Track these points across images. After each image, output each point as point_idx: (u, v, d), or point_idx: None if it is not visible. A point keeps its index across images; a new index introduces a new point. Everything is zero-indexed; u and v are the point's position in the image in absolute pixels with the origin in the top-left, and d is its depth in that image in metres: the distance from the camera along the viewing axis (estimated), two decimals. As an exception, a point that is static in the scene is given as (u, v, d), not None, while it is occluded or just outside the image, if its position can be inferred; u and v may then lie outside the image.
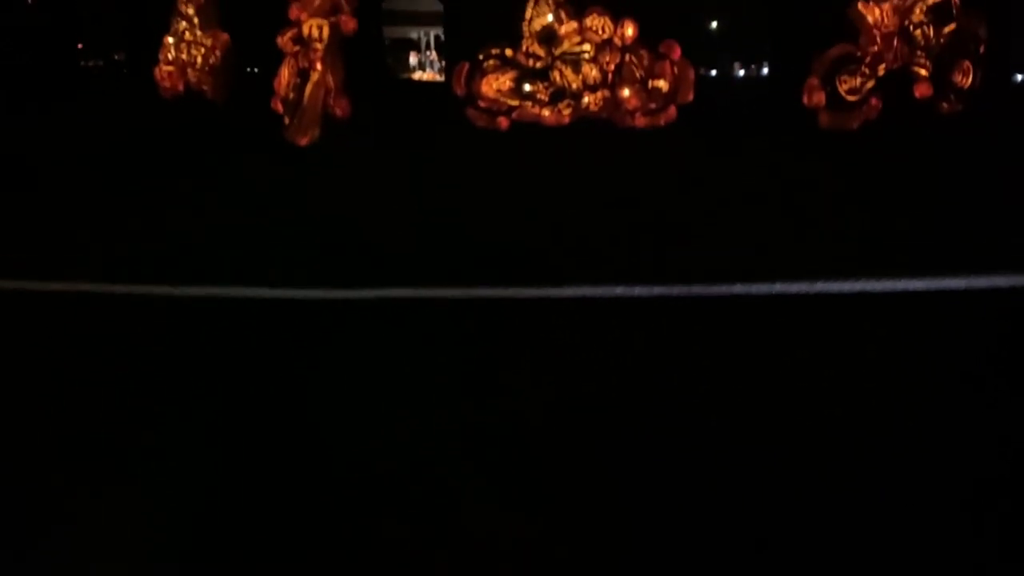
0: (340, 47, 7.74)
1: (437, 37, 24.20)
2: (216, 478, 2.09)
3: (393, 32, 24.38)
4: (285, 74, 7.83)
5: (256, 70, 9.10)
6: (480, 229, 4.62)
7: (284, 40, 7.74)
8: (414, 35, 26.10)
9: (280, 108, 7.88)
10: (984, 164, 6.21)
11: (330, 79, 7.76)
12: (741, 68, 13.77)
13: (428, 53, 26.24)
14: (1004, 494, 1.96)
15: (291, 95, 7.79)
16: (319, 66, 7.67)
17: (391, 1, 22.51)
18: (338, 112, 7.86)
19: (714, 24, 14.77)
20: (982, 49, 7.64)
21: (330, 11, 7.66)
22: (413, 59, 26.24)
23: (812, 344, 2.95)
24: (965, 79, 7.69)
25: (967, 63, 7.66)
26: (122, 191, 5.87)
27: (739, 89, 8.85)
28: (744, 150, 7.08)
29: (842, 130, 7.60)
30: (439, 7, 21.31)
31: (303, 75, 7.72)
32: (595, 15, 7.62)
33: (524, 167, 6.43)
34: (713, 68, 10.45)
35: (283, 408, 2.49)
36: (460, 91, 7.74)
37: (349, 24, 7.64)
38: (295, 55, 7.75)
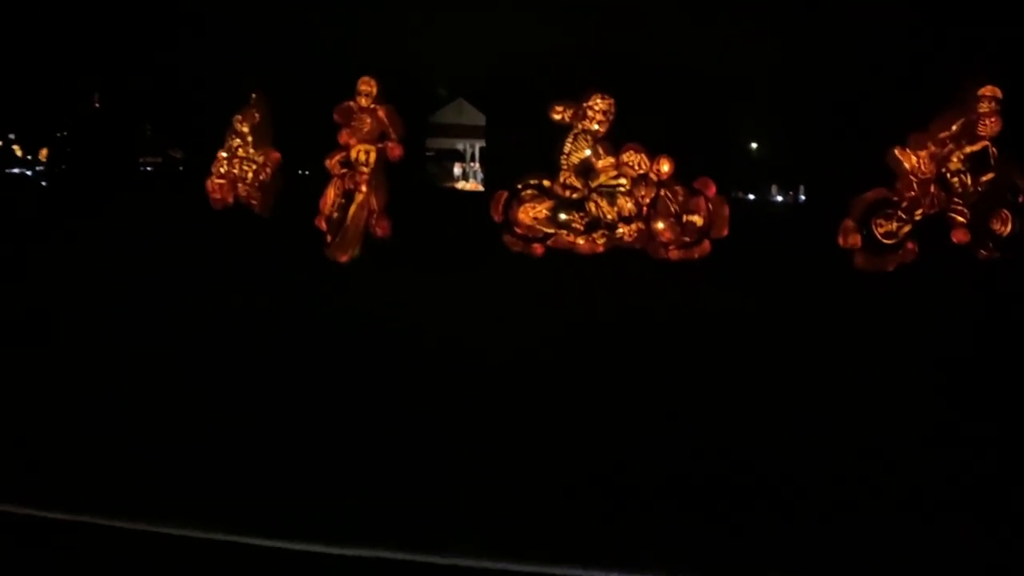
0: (385, 170, 8.00)
1: (482, 148, 25.14)
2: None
3: (438, 143, 25.47)
4: (331, 194, 8.14)
5: (303, 188, 9.41)
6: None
7: (332, 162, 8.07)
8: (459, 146, 27.13)
9: (324, 226, 8.13)
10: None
11: (374, 201, 8.02)
12: (777, 206, 14.00)
13: (472, 164, 27.19)
14: None
15: (335, 214, 8.06)
16: (364, 188, 7.96)
17: (438, 114, 23.65)
18: (379, 232, 8.06)
19: (750, 163, 15.18)
20: (1021, 199, 7.62)
21: (377, 138, 7.99)
22: (457, 169, 27.16)
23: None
24: (1004, 227, 7.66)
25: (1005, 211, 7.65)
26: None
27: (774, 227, 8.90)
28: (777, 290, 7.11)
29: (878, 272, 7.59)
30: (483, 120, 22.29)
31: (348, 196, 8.00)
32: (632, 151, 7.83)
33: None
34: (749, 205, 10.63)
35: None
36: (498, 218, 7.92)
37: (395, 151, 7.96)
38: (342, 176, 8.05)
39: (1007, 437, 3.60)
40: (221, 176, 10.07)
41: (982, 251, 7.67)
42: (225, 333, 5.16)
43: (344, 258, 7.95)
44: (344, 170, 8.02)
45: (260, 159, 9.87)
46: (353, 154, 7.94)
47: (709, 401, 4.00)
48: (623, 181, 7.89)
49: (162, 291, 6.39)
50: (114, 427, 3.42)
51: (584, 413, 3.79)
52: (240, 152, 9.96)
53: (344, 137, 8.01)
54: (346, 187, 8.00)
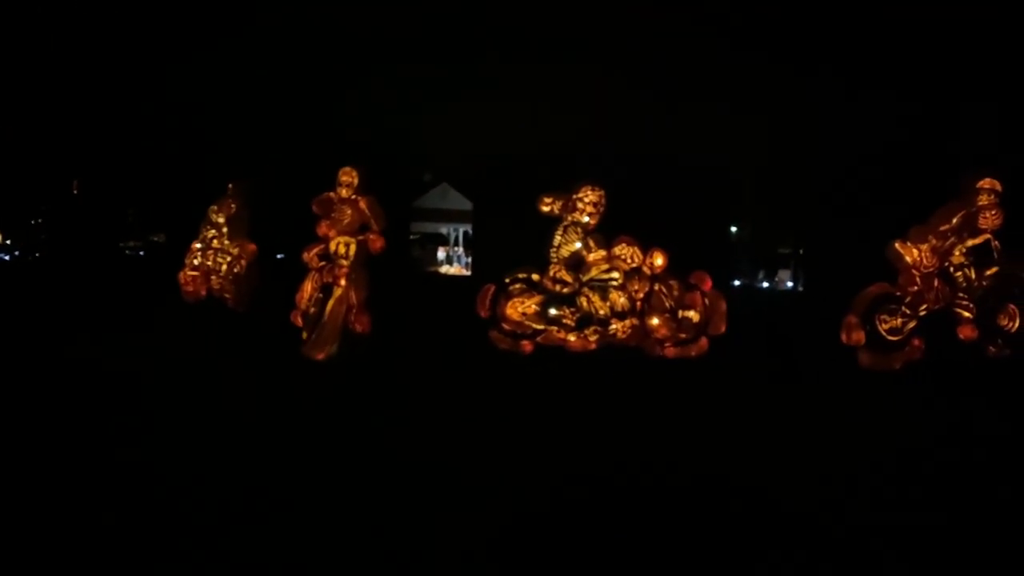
0: (366, 264, 7.65)
1: (466, 233, 25.07)
2: None
3: (423, 228, 25.42)
4: (308, 288, 7.80)
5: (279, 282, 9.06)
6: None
7: (310, 255, 7.78)
8: (444, 230, 27.08)
9: (299, 322, 7.73)
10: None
11: (353, 295, 7.65)
12: (776, 301, 13.81)
13: (456, 248, 27.09)
14: None
15: (312, 309, 7.68)
16: (343, 282, 7.61)
17: (422, 199, 23.68)
18: (358, 328, 7.66)
19: (746, 254, 15.10)
20: (1028, 294, 7.36)
21: (358, 229, 7.68)
22: (441, 253, 27.01)
23: None
24: (1012, 323, 7.38)
25: (1012, 306, 7.38)
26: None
27: (773, 324, 8.64)
28: (778, 389, 6.83)
29: (883, 370, 7.25)
30: (469, 205, 22.28)
31: (326, 290, 7.64)
32: (624, 244, 7.58)
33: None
34: (746, 299, 10.45)
35: None
36: (484, 313, 7.56)
37: (377, 244, 7.68)
38: (320, 270, 7.70)
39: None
40: (194, 268, 9.72)
41: (991, 348, 7.37)
42: (195, 433, 4.93)
43: (321, 356, 7.54)
44: (322, 263, 7.67)
45: (235, 251, 9.54)
46: (332, 246, 7.64)
47: (709, 506, 3.87)
48: (615, 275, 7.60)
49: (126, 385, 6.16)
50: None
51: (577, 523, 3.58)
52: (215, 243, 9.65)
53: (323, 229, 7.73)
54: (324, 281, 7.64)
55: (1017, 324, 7.44)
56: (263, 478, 4.15)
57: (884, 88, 7.96)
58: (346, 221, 7.73)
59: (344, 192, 7.79)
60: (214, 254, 9.59)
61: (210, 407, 5.74)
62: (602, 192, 7.61)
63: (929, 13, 7.41)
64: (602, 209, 7.61)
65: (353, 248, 7.61)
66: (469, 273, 19.31)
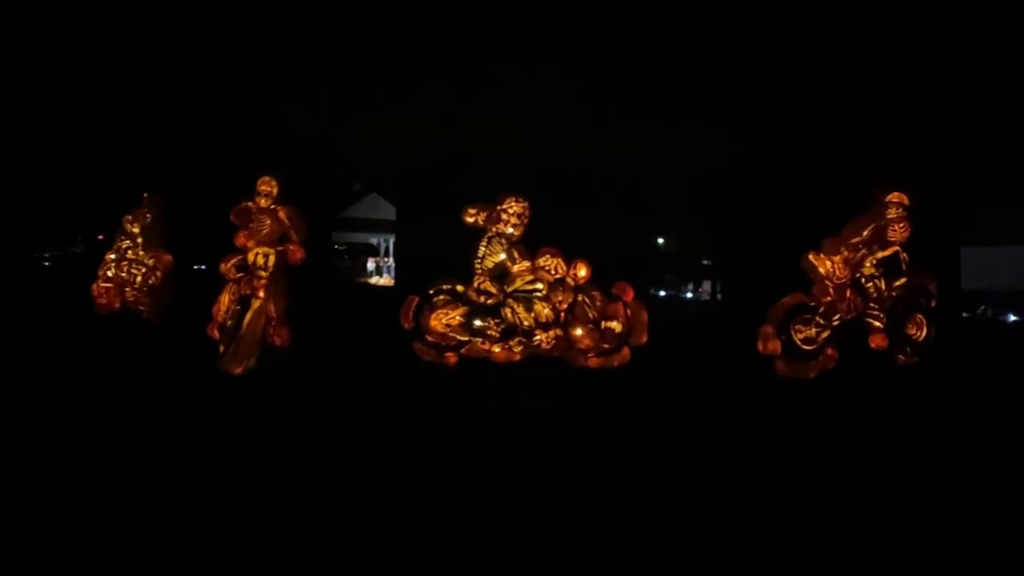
0: (285, 276, 7.48)
1: (395, 243, 24.75)
2: None
3: (352, 238, 25.06)
4: (225, 300, 7.63)
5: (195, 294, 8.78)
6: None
7: (227, 266, 7.61)
8: (373, 240, 26.75)
9: (216, 335, 7.53)
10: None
11: (272, 308, 7.48)
12: (698, 311, 14.08)
13: (387, 259, 26.75)
14: None
15: (229, 322, 7.48)
16: (262, 294, 7.44)
17: (352, 208, 23.35)
18: (277, 341, 7.49)
19: (667, 265, 15.39)
20: (934, 303, 7.65)
21: (277, 240, 7.51)
22: (371, 264, 26.65)
23: None
24: (919, 332, 7.66)
25: (920, 316, 7.66)
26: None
27: (694, 334, 8.80)
28: (699, 397, 6.96)
29: (799, 379, 7.42)
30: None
31: (244, 302, 7.46)
32: (548, 255, 7.57)
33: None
34: (667, 309, 10.59)
35: None
36: (408, 325, 7.46)
37: (297, 255, 7.53)
38: (237, 281, 7.51)
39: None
40: (107, 280, 9.32)
41: (900, 356, 7.63)
42: (108, 447, 4.83)
43: (238, 370, 7.35)
44: (240, 274, 7.49)
45: (150, 262, 9.20)
46: (251, 257, 7.46)
47: (629, 514, 3.88)
48: (540, 286, 7.60)
49: (37, 400, 5.98)
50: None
51: (501, 533, 3.58)
52: (129, 254, 9.28)
53: (241, 239, 7.54)
54: (242, 293, 7.46)
55: (924, 333, 7.74)
56: (177, 493, 4.02)
57: (801, 102, 8.17)
58: (265, 231, 7.57)
59: (263, 202, 7.64)
60: (128, 265, 9.22)
61: (124, 422, 5.56)
62: (526, 203, 7.61)
63: (843, 28, 7.63)
64: (526, 220, 7.60)
65: (272, 259, 7.45)
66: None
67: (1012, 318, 10.67)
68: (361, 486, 4.32)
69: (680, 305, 14.82)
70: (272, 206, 7.65)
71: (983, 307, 11.52)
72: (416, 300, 7.54)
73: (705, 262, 14.68)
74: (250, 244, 7.51)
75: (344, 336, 8.31)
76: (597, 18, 7.98)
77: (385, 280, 25.08)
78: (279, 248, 7.53)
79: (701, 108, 8.22)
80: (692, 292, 16.08)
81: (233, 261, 7.56)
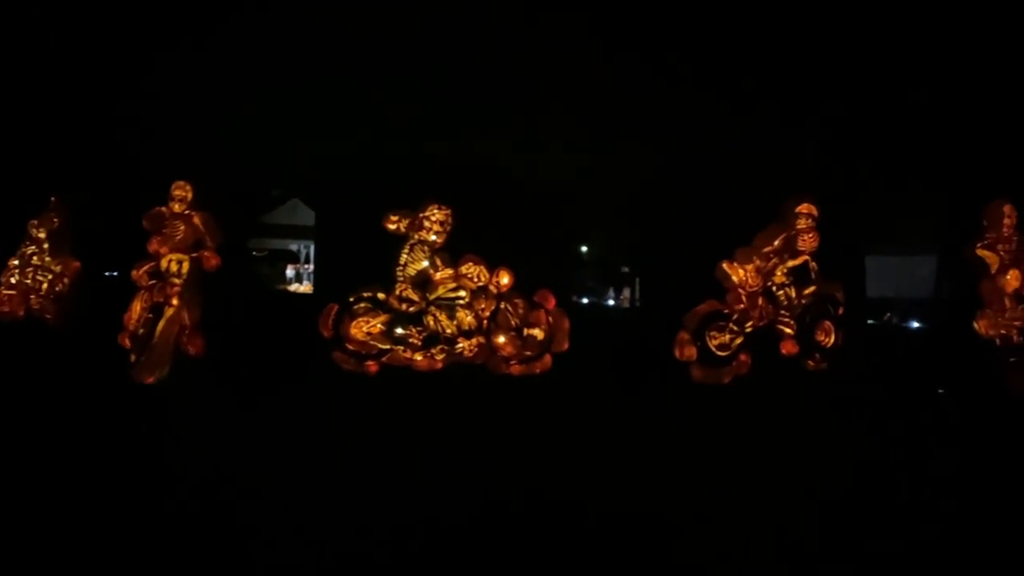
0: (200, 283, 7.33)
1: (315, 250, 24.27)
2: None
3: (271, 243, 24.55)
4: (136, 308, 7.42)
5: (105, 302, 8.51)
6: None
7: (139, 273, 7.41)
8: (293, 247, 26.26)
9: (127, 343, 7.31)
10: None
11: (186, 316, 7.33)
12: (619, 318, 14.36)
13: (307, 266, 26.29)
14: None
15: (141, 330, 7.29)
16: (175, 301, 7.27)
17: (271, 214, 22.88)
18: (191, 350, 7.32)
19: (589, 272, 15.62)
20: (841, 311, 7.99)
21: (192, 246, 7.36)
22: (291, 271, 26.17)
23: None
24: (828, 338, 7.99)
25: (828, 323, 7.99)
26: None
27: (614, 340, 8.97)
28: (618, 403, 7.08)
29: (713, 384, 7.66)
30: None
31: (156, 310, 7.27)
32: (470, 263, 7.62)
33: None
34: (591, 319, 10.81)
35: None
36: (327, 333, 7.39)
37: (212, 261, 7.39)
38: (149, 288, 7.32)
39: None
40: (11, 287, 8.95)
41: (810, 362, 7.93)
42: (14, 461, 4.68)
43: (150, 379, 7.16)
44: (153, 281, 7.30)
45: (57, 268, 8.88)
46: (164, 264, 7.28)
47: (554, 520, 3.93)
48: (462, 293, 7.65)
49: None
50: None
51: (423, 544, 3.57)
52: (35, 260, 8.93)
53: (154, 245, 7.37)
54: (155, 300, 7.27)
55: (832, 339, 8.08)
56: (89, 507, 3.90)
57: (716, 115, 8.44)
58: (179, 237, 7.41)
59: (177, 207, 7.48)
60: (34, 272, 8.87)
61: (30, 434, 5.36)
62: (449, 211, 7.64)
63: (755, 44, 7.93)
64: (449, 228, 7.64)
65: (186, 266, 7.29)
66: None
67: (915, 324, 11.25)
68: (278, 497, 4.28)
69: (602, 312, 15.11)
70: (187, 211, 7.49)
71: (889, 314, 12.11)
72: (336, 308, 7.48)
73: (625, 269, 15.02)
74: (163, 250, 7.32)
75: (261, 345, 8.17)
76: (519, 27, 8.10)
77: (306, 287, 24.63)
78: (193, 255, 7.37)
79: (621, 119, 8.42)
80: (614, 299, 16.40)
81: (145, 268, 7.36)
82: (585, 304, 16.01)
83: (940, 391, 7.81)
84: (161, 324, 7.24)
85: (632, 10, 7.84)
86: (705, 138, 8.20)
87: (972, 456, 5.64)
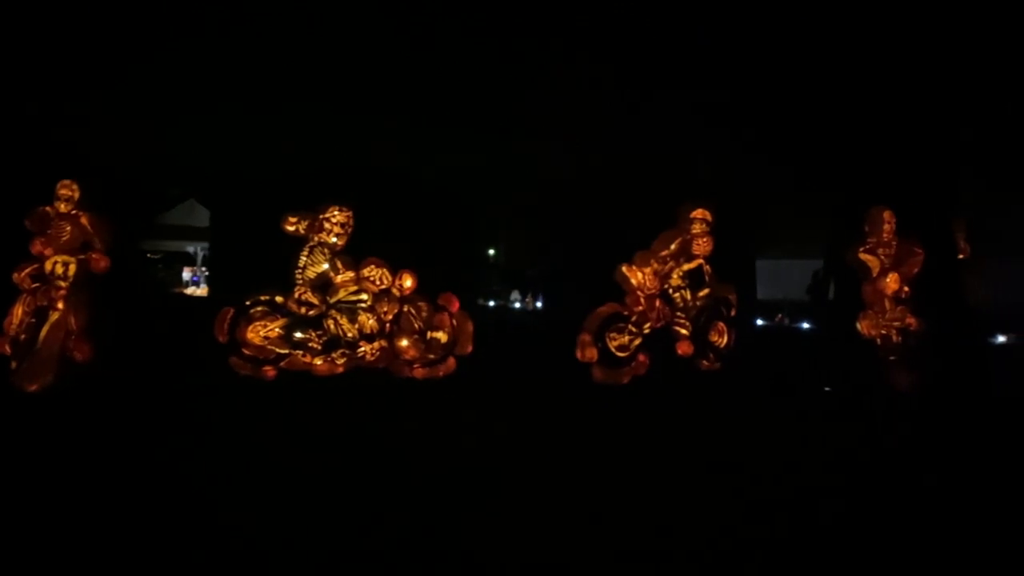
0: (87, 286, 7.08)
1: (210, 252, 23.51)
2: None
3: (167, 245, 23.69)
4: (18, 312, 7.11)
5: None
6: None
7: (21, 276, 7.09)
8: (189, 249, 25.44)
9: (8, 349, 7.00)
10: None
11: (72, 320, 7.05)
12: (522, 322, 14.57)
13: (203, 268, 25.49)
14: None
15: (23, 336, 6.99)
16: (61, 305, 7.00)
17: (167, 215, 22.08)
18: (78, 356, 7.06)
19: (492, 275, 15.80)
20: (733, 312, 8.34)
21: (79, 248, 7.10)
22: (187, 274, 25.36)
23: None
24: (721, 339, 8.32)
25: (721, 324, 8.32)
26: None
27: (518, 342, 9.12)
28: (521, 404, 7.20)
29: (613, 384, 7.87)
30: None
31: (40, 314, 6.99)
32: (373, 265, 7.60)
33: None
34: (492, 319, 10.91)
35: None
36: (223, 338, 7.24)
37: (100, 263, 7.16)
38: (33, 292, 7.03)
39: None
40: None
41: (704, 362, 8.24)
42: None
43: (33, 387, 6.89)
44: (36, 284, 7.01)
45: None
46: (48, 266, 7.01)
47: (452, 524, 3.94)
48: (364, 297, 7.62)
49: None
50: None
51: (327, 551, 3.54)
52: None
53: (38, 247, 7.07)
54: (38, 304, 6.99)
55: (725, 340, 8.43)
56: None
57: (617, 122, 8.66)
58: (65, 238, 7.14)
59: (63, 207, 7.20)
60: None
61: None
62: (350, 212, 7.60)
63: (656, 51, 8.16)
64: (350, 230, 7.60)
65: (73, 268, 7.03)
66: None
67: (805, 325, 11.82)
68: (173, 506, 4.20)
69: (507, 315, 15.27)
70: (73, 211, 7.22)
71: (780, 315, 12.69)
72: (232, 311, 7.33)
73: (529, 272, 15.22)
74: (48, 252, 7.04)
75: (153, 351, 7.94)
76: (419, 27, 8.12)
77: (203, 291, 23.83)
78: (80, 256, 7.12)
79: (523, 122, 8.54)
80: (519, 302, 16.61)
81: (28, 270, 7.04)
82: (493, 307, 16.17)
83: (826, 389, 8.23)
84: (45, 329, 6.97)
85: (531, 13, 7.96)
86: (605, 144, 8.42)
87: (857, 450, 5.97)
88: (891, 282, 8.39)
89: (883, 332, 8.44)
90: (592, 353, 7.96)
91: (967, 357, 8.42)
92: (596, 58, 8.00)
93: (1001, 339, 12.09)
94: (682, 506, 4.45)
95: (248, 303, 7.33)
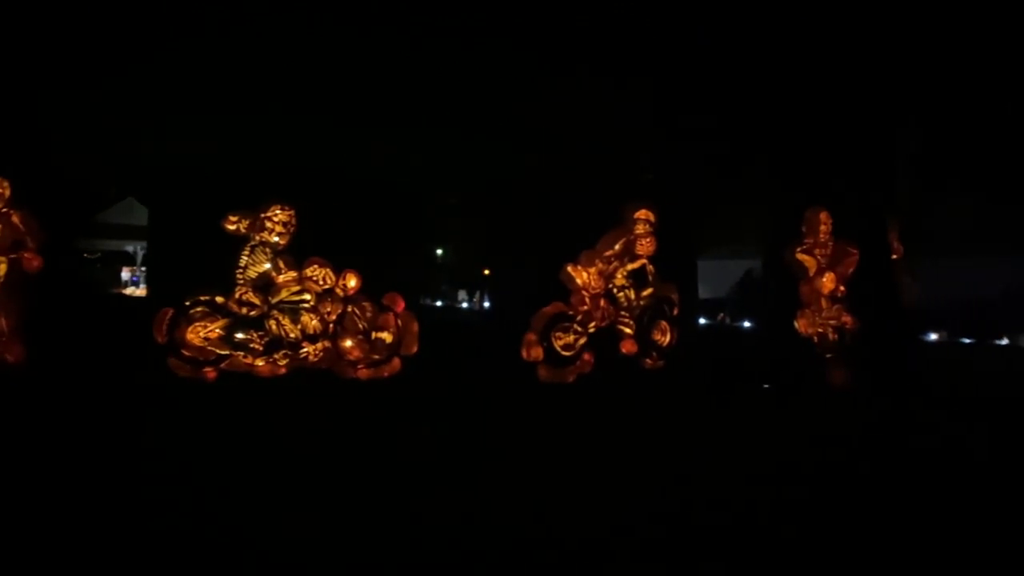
0: (20, 287, 6.89)
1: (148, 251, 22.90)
2: None
3: (105, 244, 23.08)
4: (-56, 314, 6.83)
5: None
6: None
7: (-53, 277, 6.80)
8: (129, 248, 24.83)
9: (-67, 353, 6.79)
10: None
11: (3, 321, 6.87)
12: (465, 317, 14.59)
13: (143, 268, 24.87)
14: None
15: (-51, 338, 6.76)
16: (-10, 306, 6.77)
17: (105, 213, 21.50)
18: (10, 359, 6.88)
19: (438, 275, 15.77)
20: (676, 311, 8.48)
21: (10, 248, 6.90)
22: (126, 273, 24.74)
23: None
24: (664, 337, 8.46)
25: (664, 323, 8.45)
26: None
27: (464, 343, 9.13)
28: (465, 403, 7.21)
29: (559, 383, 7.95)
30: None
31: (-31, 315, 6.77)
32: (316, 265, 7.53)
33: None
34: (438, 319, 10.91)
35: None
36: (161, 339, 7.09)
37: (33, 263, 7.01)
38: (-40, 293, 6.80)
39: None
40: None
41: (647, 360, 8.37)
42: None
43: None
44: (-37, 285, 6.79)
45: None
46: (-23, 267, 6.77)
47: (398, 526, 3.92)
48: (307, 297, 7.54)
49: None
50: None
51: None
52: None
53: (-35, 247, 6.84)
54: (-34, 305, 6.76)
55: (668, 338, 8.58)
56: None
57: (562, 124, 8.72)
58: (-6, 237, 6.94)
59: (-7, 205, 6.99)
60: None
61: None
62: (292, 211, 7.52)
63: (599, 53, 8.24)
64: (292, 229, 7.52)
65: (3, 268, 6.85)
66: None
67: (747, 324, 12.07)
68: (111, 510, 4.11)
69: (455, 315, 15.27)
70: (4, 209, 7.03)
71: (721, 314, 12.94)
72: (171, 312, 7.18)
73: (475, 272, 15.22)
74: (-24, 252, 6.86)
75: (89, 352, 7.73)
76: (366, 26, 8.07)
77: (142, 291, 23.22)
78: (12, 256, 6.93)
79: (469, 121, 8.55)
80: (467, 302, 16.63)
81: (-46, 270, 6.86)
82: (440, 307, 16.15)
83: (765, 385, 8.42)
84: (-26, 331, 6.78)
85: (479, 13, 7.98)
86: (550, 144, 8.48)
87: (795, 445, 6.12)
88: (827, 281, 8.65)
89: (820, 330, 8.69)
90: (538, 352, 8.02)
91: (899, 353, 8.71)
92: (541, 58, 8.06)
93: (933, 336, 12.54)
94: (625, 503, 4.51)
95: (188, 303, 7.20)
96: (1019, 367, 11.45)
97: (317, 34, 7.76)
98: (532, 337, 8.03)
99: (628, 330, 8.33)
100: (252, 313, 7.35)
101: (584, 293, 8.18)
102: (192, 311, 7.19)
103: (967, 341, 12.82)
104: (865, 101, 8.84)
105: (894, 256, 9.22)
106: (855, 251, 8.75)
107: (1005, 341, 12.59)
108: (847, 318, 8.65)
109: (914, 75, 8.77)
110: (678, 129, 8.42)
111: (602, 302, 8.24)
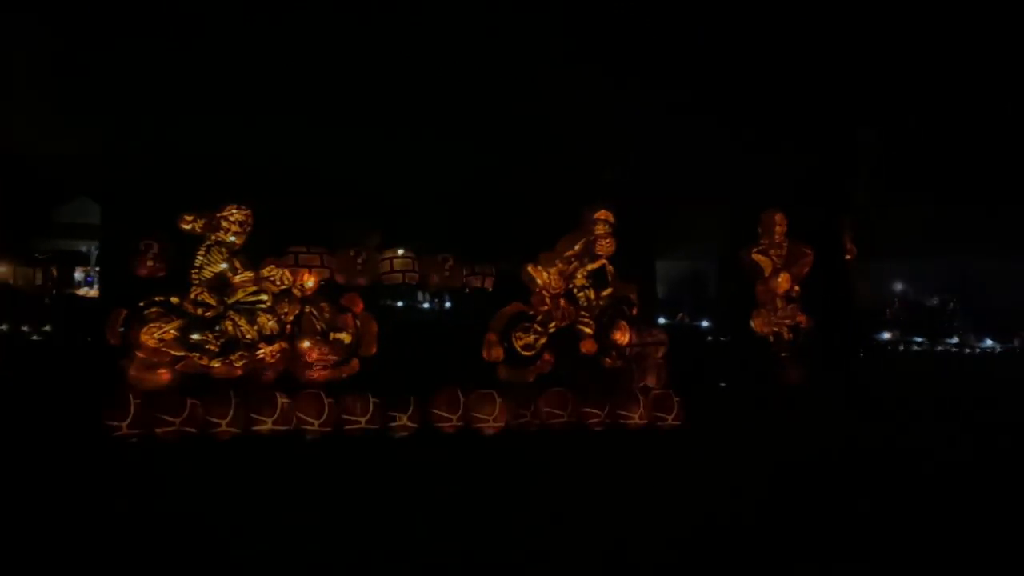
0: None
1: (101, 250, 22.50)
2: None
3: (60, 244, 22.57)
4: None
5: None
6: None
7: None
8: (83, 248, 24.31)
9: None
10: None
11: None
12: (424, 322, 14.48)
13: (97, 268, 24.39)
14: None
15: None
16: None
17: (58, 212, 21.04)
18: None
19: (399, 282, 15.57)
20: (635, 311, 8.55)
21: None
22: (79, 274, 24.24)
23: None
24: (623, 337, 8.52)
25: (623, 323, 8.52)
26: None
27: (425, 343, 9.12)
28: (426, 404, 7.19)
29: (520, 383, 7.97)
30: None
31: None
32: (273, 266, 7.44)
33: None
34: (397, 320, 10.84)
35: None
36: (115, 341, 6.95)
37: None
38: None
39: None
40: None
41: (607, 360, 8.43)
42: None
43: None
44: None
45: None
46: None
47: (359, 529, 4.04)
48: (264, 297, 7.45)
49: None
50: None
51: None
52: None
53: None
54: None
55: (627, 338, 8.64)
56: None
57: (521, 125, 8.76)
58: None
59: (-62, 204, 6.81)
60: None
61: None
62: (249, 211, 7.43)
63: (560, 55, 8.29)
64: (249, 228, 7.42)
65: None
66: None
67: (705, 324, 12.23)
68: (66, 517, 4.06)
69: (411, 315, 15.21)
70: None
71: (681, 314, 13.08)
72: (124, 313, 7.05)
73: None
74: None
75: (41, 353, 7.59)
76: (326, 25, 8.03)
77: (95, 292, 22.75)
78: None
79: (430, 120, 8.55)
80: (430, 303, 16.54)
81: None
82: (402, 307, 16.05)
83: (721, 384, 8.56)
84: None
85: (445, 12, 7.98)
86: (510, 144, 8.53)
87: (753, 443, 6.24)
88: (782, 282, 8.81)
89: (775, 329, 8.85)
90: (498, 352, 8.03)
91: (851, 353, 8.91)
92: (500, 57, 8.09)
93: (885, 336, 12.82)
94: (582, 505, 4.56)
95: (141, 304, 7.07)
96: (970, 368, 11.78)
97: (273, 31, 7.71)
98: (493, 337, 8.04)
99: (588, 330, 8.38)
100: (208, 314, 7.23)
101: (544, 293, 8.21)
102: (146, 312, 7.05)
103: (918, 340, 13.12)
104: (821, 102, 9.01)
105: (848, 257, 9.42)
106: (809, 252, 8.92)
107: (955, 340, 12.92)
108: (801, 317, 8.82)
109: (871, 75, 8.96)
110: (637, 130, 8.51)
111: (562, 302, 8.28)
